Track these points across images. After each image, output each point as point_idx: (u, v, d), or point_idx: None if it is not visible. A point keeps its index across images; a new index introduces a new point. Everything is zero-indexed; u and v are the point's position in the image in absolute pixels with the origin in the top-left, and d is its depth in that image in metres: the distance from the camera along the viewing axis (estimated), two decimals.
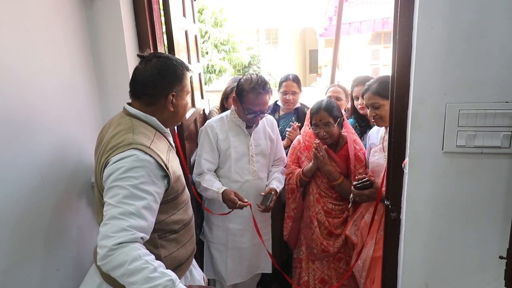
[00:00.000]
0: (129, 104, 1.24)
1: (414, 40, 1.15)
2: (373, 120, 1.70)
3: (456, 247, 1.23)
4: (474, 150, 1.14)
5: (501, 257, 1.02)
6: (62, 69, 1.39)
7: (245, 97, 1.83)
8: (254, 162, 1.98)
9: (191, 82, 2.14)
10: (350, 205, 1.82)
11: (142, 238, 1.03)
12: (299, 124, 2.37)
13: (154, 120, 1.21)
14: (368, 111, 1.71)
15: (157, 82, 1.18)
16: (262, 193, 1.92)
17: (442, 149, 1.17)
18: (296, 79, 2.58)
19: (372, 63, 11.88)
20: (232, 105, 1.97)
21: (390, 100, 1.31)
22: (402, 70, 1.22)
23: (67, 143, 1.41)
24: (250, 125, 1.95)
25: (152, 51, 1.61)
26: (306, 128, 2.07)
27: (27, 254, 1.20)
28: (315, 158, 1.88)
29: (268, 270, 2.17)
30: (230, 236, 2.01)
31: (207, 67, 10.51)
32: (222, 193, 1.81)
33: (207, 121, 2.02)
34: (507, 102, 1.07)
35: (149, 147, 1.11)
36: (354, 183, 1.71)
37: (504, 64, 1.06)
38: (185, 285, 1.34)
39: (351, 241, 1.94)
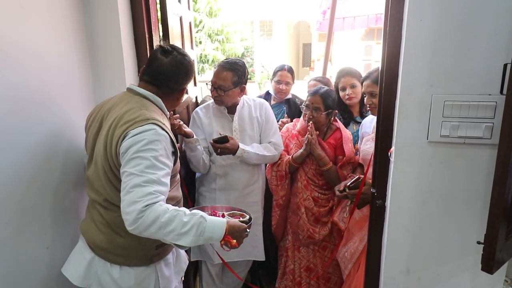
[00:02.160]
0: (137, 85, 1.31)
1: (404, 32, 1.18)
2: (368, 107, 1.74)
3: (437, 233, 1.28)
4: (457, 140, 1.18)
5: (478, 242, 1.07)
6: (56, 50, 1.38)
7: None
8: None
9: None
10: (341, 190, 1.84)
11: (163, 200, 1.12)
12: (290, 119, 2.39)
13: (160, 101, 1.29)
14: (364, 99, 1.75)
15: (180, 78, 1.30)
16: (220, 133, 1.89)
17: (427, 139, 1.21)
18: (290, 70, 2.61)
19: (364, 59, 11.94)
20: None
21: (379, 90, 1.34)
22: (392, 61, 1.25)
23: (60, 123, 1.41)
24: (216, 103, 1.93)
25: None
26: (296, 121, 2.12)
27: (17, 231, 1.21)
28: (306, 143, 1.92)
29: (261, 257, 2.14)
30: None
31: (200, 57, 10.44)
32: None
33: (194, 110, 2.06)
34: (489, 95, 1.11)
35: (164, 123, 1.20)
36: (348, 183, 1.74)
37: (489, 58, 1.09)
38: (172, 261, 1.39)
39: (337, 229, 1.99)
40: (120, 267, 1.26)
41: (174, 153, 1.25)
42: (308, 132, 1.91)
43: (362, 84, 1.79)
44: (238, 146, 1.87)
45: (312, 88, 2.50)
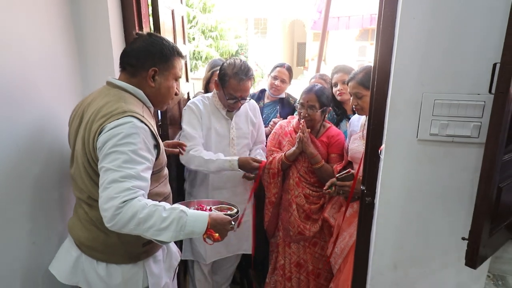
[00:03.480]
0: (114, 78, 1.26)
1: (397, 30, 1.19)
2: (354, 108, 1.75)
3: (424, 230, 1.30)
4: (446, 139, 1.19)
5: (463, 238, 1.09)
6: (42, 38, 1.36)
7: (227, 82, 1.83)
8: (235, 145, 2.01)
9: None
10: (326, 190, 1.87)
11: (143, 195, 1.08)
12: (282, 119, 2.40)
13: (140, 93, 1.24)
14: (350, 99, 1.76)
15: (141, 54, 1.23)
16: (253, 161, 1.92)
17: (417, 137, 1.22)
18: (289, 69, 2.63)
19: (358, 59, 12.02)
20: (214, 90, 1.98)
21: (371, 88, 1.35)
22: (384, 59, 1.26)
23: (46, 115, 1.39)
24: (230, 111, 1.97)
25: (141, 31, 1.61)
26: (291, 119, 2.13)
27: (2, 224, 1.19)
28: (299, 141, 1.93)
29: (249, 251, 2.18)
30: None
31: (193, 53, 10.38)
32: (239, 159, 1.86)
33: (190, 101, 2.02)
34: (478, 94, 1.13)
35: (142, 116, 1.15)
36: (337, 175, 1.76)
37: (479, 58, 1.10)
38: (161, 258, 1.38)
39: (327, 226, 2.00)
40: (107, 265, 1.25)
41: (157, 146, 1.21)
42: (300, 130, 1.92)
43: (347, 84, 1.79)
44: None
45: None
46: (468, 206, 1.22)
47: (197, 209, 1.37)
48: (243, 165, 1.89)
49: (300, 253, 2.11)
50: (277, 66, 2.62)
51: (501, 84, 0.91)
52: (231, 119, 2.00)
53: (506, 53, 0.89)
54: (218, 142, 1.97)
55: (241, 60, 1.88)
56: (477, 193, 1.02)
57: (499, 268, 1.39)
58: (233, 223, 1.26)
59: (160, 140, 1.24)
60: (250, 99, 2.03)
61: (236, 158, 1.89)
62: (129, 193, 1.04)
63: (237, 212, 1.43)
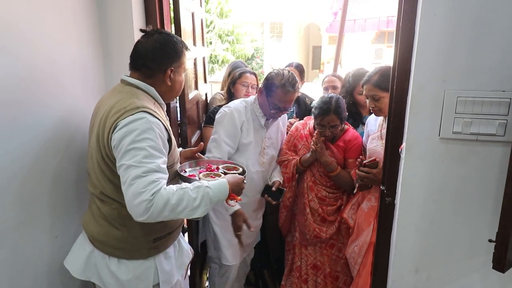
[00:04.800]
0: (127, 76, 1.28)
1: (417, 27, 1.17)
2: (371, 110, 1.73)
3: (448, 232, 1.26)
4: (470, 137, 1.16)
5: (490, 240, 1.05)
6: (68, 38, 1.41)
7: (273, 92, 1.81)
8: (265, 154, 1.99)
9: (195, 65, 2.18)
10: (355, 190, 1.85)
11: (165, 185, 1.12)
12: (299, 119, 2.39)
13: (153, 90, 1.26)
14: (367, 101, 1.74)
15: (158, 56, 1.24)
16: (274, 188, 1.95)
17: (439, 135, 1.19)
18: (299, 67, 2.61)
19: (374, 62, 11.88)
20: (255, 96, 1.94)
21: (391, 86, 1.33)
22: (404, 56, 1.24)
23: (71, 112, 1.43)
24: (269, 118, 1.95)
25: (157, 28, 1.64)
26: (307, 120, 2.11)
27: (26, 218, 1.23)
28: (313, 151, 1.92)
29: (258, 239, 2.23)
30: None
31: (210, 57, 10.48)
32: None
33: (231, 104, 1.93)
34: (503, 91, 1.09)
35: (155, 111, 1.17)
36: (365, 161, 1.74)
37: (503, 54, 1.07)
38: (173, 254, 1.39)
39: (345, 227, 1.97)
40: (118, 260, 1.26)
41: (169, 140, 1.23)
42: (313, 141, 1.90)
43: (362, 87, 1.76)
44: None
45: (327, 84, 2.52)
46: (494, 207, 1.18)
47: (207, 169, 1.48)
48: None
49: (317, 255, 2.08)
50: (286, 67, 2.60)
51: None
52: (267, 129, 2.00)
53: None
54: (253, 150, 1.94)
55: (289, 72, 1.86)
56: (504, 192, 0.98)
57: None
58: (244, 181, 1.34)
59: (172, 136, 1.26)
60: (292, 110, 2.03)
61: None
62: (155, 185, 1.07)
63: (244, 171, 1.50)
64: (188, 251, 1.51)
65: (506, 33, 1.06)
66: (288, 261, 2.21)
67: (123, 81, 1.28)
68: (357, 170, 1.75)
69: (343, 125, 1.98)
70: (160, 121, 1.17)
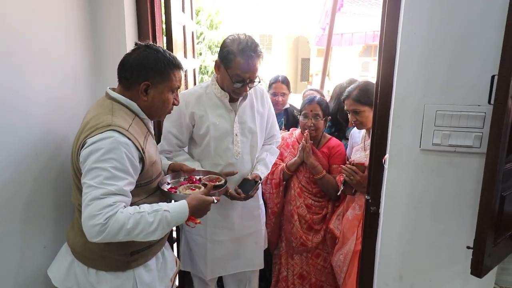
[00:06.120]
0: (112, 89, 1.27)
1: (399, 44, 1.23)
2: (353, 123, 1.80)
3: (429, 240, 1.31)
4: (449, 149, 1.22)
5: (468, 247, 1.10)
6: (62, 49, 1.43)
7: (232, 61, 1.53)
8: (239, 142, 1.70)
9: (186, 76, 2.21)
10: (339, 192, 1.90)
11: (124, 207, 1.10)
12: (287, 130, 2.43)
13: (134, 105, 1.24)
14: (349, 115, 1.82)
15: (134, 68, 1.22)
16: (249, 176, 1.71)
17: (420, 147, 1.25)
18: (285, 81, 2.66)
19: (361, 75, 12.16)
20: (213, 75, 1.69)
21: (374, 99, 1.39)
22: (387, 72, 1.31)
23: (63, 124, 1.44)
24: (236, 97, 1.66)
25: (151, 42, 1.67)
26: (293, 130, 2.18)
27: (15, 229, 1.23)
28: (301, 150, 1.96)
29: (260, 266, 1.93)
30: (209, 228, 1.77)
31: (200, 68, 10.56)
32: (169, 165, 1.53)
33: (183, 93, 1.69)
34: (479, 106, 1.16)
35: (127, 130, 1.15)
36: (349, 161, 1.81)
37: (479, 70, 1.14)
38: (155, 267, 1.37)
39: (330, 237, 2.01)
40: (96, 272, 1.25)
41: (142, 159, 1.20)
42: (303, 138, 1.96)
43: (343, 102, 1.85)
44: (260, 178, 1.75)
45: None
46: (472, 216, 1.23)
47: (188, 181, 1.45)
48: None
49: (303, 264, 2.11)
50: (273, 83, 2.65)
51: (499, 95, 0.94)
52: (235, 111, 1.69)
53: (503, 65, 0.93)
54: (218, 140, 1.67)
55: (245, 35, 1.57)
56: (479, 201, 1.04)
57: (506, 280, 1.38)
58: (215, 200, 1.30)
59: (150, 153, 1.23)
60: (259, 82, 1.66)
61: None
62: (110, 209, 1.06)
63: (225, 182, 1.45)
64: (172, 263, 1.48)
65: (481, 52, 1.14)
66: (275, 271, 2.23)
67: (106, 94, 1.27)
68: (344, 166, 1.80)
69: (325, 125, 2.06)
70: (131, 140, 1.14)
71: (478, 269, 1.04)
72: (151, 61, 1.22)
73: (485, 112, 1.16)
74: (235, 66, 1.53)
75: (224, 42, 1.57)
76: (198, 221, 1.23)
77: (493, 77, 1.01)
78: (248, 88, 1.62)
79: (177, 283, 1.64)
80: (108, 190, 1.06)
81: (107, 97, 1.26)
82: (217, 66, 1.61)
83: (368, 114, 1.70)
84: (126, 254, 1.25)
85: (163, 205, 1.17)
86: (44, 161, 1.33)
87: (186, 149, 1.82)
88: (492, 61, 1.11)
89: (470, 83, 1.17)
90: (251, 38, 1.57)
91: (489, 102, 1.05)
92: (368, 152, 1.60)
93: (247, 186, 1.68)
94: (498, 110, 0.96)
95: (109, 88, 1.27)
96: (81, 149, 1.11)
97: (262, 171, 1.77)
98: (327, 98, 2.55)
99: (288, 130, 2.36)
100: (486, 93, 1.09)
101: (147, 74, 1.22)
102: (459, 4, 1.12)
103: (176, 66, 1.27)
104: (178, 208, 1.19)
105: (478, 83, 1.15)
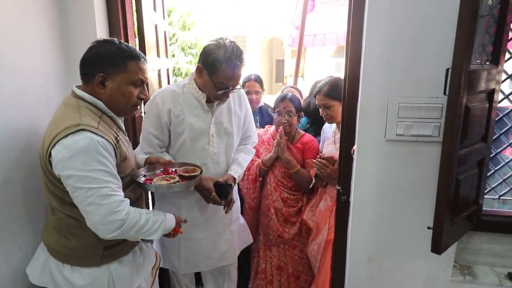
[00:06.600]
0: (78, 86, 1.27)
1: (363, 43, 1.32)
2: (324, 118, 1.89)
3: (395, 224, 1.41)
4: (411, 139, 1.32)
5: (428, 227, 1.19)
6: (31, 49, 1.42)
7: (218, 69, 1.51)
8: (215, 143, 1.69)
9: (159, 76, 2.22)
10: (311, 185, 1.98)
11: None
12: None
13: (99, 103, 1.23)
14: (320, 110, 1.91)
15: (90, 62, 1.22)
16: (220, 179, 1.65)
17: (385, 137, 1.34)
18: (258, 79, 2.71)
19: (335, 75, 12.43)
20: (191, 75, 1.66)
21: (343, 94, 1.47)
22: (354, 68, 1.39)
23: (34, 121, 1.43)
24: (216, 101, 1.65)
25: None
26: (268, 127, 2.25)
27: None
28: (276, 146, 2.03)
29: (233, 259, 1.94)
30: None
31: (174, 70, 10.45)
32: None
33: (159, 91, 1.68)
34: (437, 98, 1.26)
35: (97, 128, 1.16)
36: (320, 155, 1.90)
37: (436, 65, 1.24)
38: (131, 261, 1.42)
39: (305, 228, 2.09)
40: (71, 267, 1.27)
41: (115, 155, 1.23)
42: (278, 135, 2.02)
43: (315, 97, 1.94)
44: (234, 178, 1.72)
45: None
46: (433, 200, 1.31)
47: (164, 173, 1.52)
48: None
49: (281, 256, 2.17)
50: (246, 81, 2.69)
51: (453, 86, 1.04)
52: (212, 112, 1.67)
53: (455, 58, 1.02)
54: (194, 140, 1.66)
55: (230, 41, 1.55)
56: (437, 184, 1.13)
57: (464, 258, 1.50)
58: (193, 188, 1.50)
59: (118, 150, 1.23)
60: (240, 88, 1.67)
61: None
62: (125, 204, 1.17)
63: (201, 172, 1.52)
64: (152, 257, 1.51)
65: (437, 47, 1.23)
66: (253, 264, 2.29)
67: (72, 92, 1.26)
68: (315, 160, 1.88)
69: (298, 121, 2.15)
70: (104, 137, 1.15)
71: (437, 246, 1.14)
72: (105, 53, 1.21)
73: (442, 104, 1.26)
74: (221, 74, 1.52)
75: (208, 47, 1.55)
76: (181, 230, 1.45)
77: (447, 70, 1.10)
78: (229, 95, 1.64)
79: (157, 278, 1.65)
80: (111, 188, 1.14)
81: (72, 95, 1.25)
82: (199, 70, 1.59)
83: (338, 108, 1.79)
84: (99, 248, 1.27)
85: (160, 212, 1.38)
86: (12, 161, 1.31)
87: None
88: (447, 55, 1.20)
89: (428, 77, 1.26)
90: (235, 44, 1.55)
91: (444, 93, 1.15)
92: (338, 145, 1.69)
93: (223, 191, 1.64)
94: (452, 100, 1.05)
95: (75, 86, 1.26)
96: (52, 149, 1.11)
97: (236, 171, 1.75)
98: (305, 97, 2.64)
99: (263, 128, 2.42)
100: (442, 85, 1.19)
101: (102, 66, 1.21)
102: (416, 4, 1.22)
103: (134, 57, 1.25)
104: (172, 217, 1.39)
105: (435, 76, 1.24)
